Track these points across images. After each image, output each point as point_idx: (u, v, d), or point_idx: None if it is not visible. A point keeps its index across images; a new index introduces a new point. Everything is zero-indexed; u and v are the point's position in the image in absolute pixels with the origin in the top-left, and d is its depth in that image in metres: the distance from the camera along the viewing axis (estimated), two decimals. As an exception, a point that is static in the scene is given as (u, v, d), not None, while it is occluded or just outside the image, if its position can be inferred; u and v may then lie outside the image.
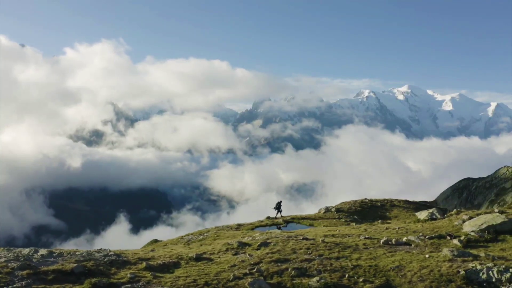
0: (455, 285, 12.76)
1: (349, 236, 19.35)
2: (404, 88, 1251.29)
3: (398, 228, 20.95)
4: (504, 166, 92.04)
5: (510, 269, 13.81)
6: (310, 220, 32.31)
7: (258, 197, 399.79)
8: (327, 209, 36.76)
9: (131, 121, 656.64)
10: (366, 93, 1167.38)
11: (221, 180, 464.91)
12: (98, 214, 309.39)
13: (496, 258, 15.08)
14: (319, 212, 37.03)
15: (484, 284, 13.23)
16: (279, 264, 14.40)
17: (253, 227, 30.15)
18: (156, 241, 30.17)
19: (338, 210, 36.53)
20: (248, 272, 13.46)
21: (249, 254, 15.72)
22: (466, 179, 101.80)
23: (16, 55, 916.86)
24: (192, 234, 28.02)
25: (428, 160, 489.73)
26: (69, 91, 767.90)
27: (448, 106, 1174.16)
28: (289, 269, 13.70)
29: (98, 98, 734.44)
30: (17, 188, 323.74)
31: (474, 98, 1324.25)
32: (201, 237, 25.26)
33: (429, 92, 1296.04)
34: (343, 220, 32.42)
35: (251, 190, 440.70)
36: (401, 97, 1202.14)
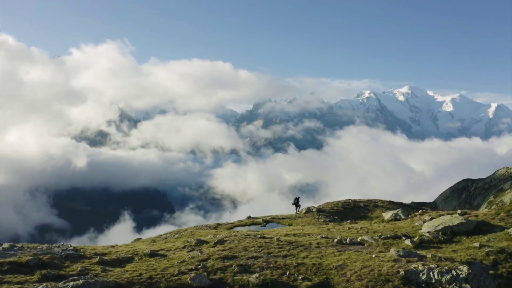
0: (392, 285, 12.97)
1: (308, 235, 19.77)
2: (405, 89, 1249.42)
3: (361, 228, 21.36)
4: (503, 167, 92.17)
5: (453, 271, 13.87)
6: (289, 220, 32.66)
7: (261, 196, 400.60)
8: (309, 209, 37.20)
9: (134, 122, 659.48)
10: (366, 94, 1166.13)
11: (224, 180, 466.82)
12: (101, 214, 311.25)
13: (443, 259, 15.13)
14: (300, 212, 37.55)
15: (423, 285, 13.32)
16: (225, 260, 14.94)
17: (232, 226, 30.51)
18: (139, 239, 30.92)
19: (319, 210, 36.92)
20: (194, 268, 14.00)
21: (200, 251, 16.32)
22: (465, 180, 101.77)
23: (23, 56, 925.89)
24: (170, 233, 28.63)
25: (431, 160, 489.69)
26: (74, 91, 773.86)
27: (448, 107, 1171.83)
28: (233, 266, 14.22)
29: (103, 98, 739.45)
30: (21, 188, 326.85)
31: (474, 99, 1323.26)
32: (177, 235, 25.85)
33: (430, 93, 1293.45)
34: (322, 220, 32.78)
35: (254, 190, 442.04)
36: (401, 98, 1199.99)
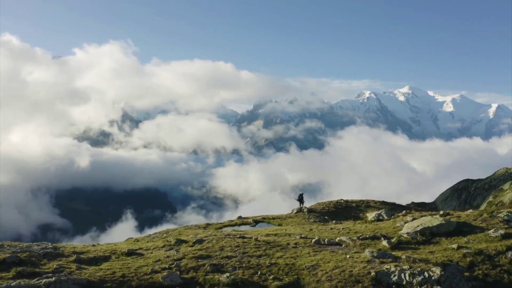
0: (362, 286, 12.98)
1: (289, 236, 19.81)
2: (405, 89, 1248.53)
3: (343, 228, 21.36)
4: (503, 167, 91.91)
5: (425, 272, 13.76)
6: (279, 220, 32.70)
7: (262, 196, 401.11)
8: (300, 209, 37.28)
9: (136, 122, 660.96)
10: (367, 94, 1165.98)
11: (226, 179, 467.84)
12: (102, 214, 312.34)
13: (417, 260, 15.03)
14: (292, 212, 37.62)
15: (394, 287, 13.24)
16: (199, 260, 15.08)
17: (222, 226, 30.61)
18: (131, 238, 31.06)
19: (310, 210, 36.93)
20: (167, 267, 14.19)
21: (176, 250, 16.49)
22: (465, 180, 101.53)
23: (27, 56, 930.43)
24: (159, 232, 28.79)
25: (432, 161, 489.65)
26: (76, 91, 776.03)
27: (449, 107, 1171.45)
28: (206, 265, 14.36)
29: (106, 98, 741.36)
30: (23, 188, 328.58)
31: (474, 99, 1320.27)
32: (164, 235, 26.02)
33: (430, 93, 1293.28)
34: (312, 220, 32.82)
35: (256, 190, 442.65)
36: (401, 98, 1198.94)
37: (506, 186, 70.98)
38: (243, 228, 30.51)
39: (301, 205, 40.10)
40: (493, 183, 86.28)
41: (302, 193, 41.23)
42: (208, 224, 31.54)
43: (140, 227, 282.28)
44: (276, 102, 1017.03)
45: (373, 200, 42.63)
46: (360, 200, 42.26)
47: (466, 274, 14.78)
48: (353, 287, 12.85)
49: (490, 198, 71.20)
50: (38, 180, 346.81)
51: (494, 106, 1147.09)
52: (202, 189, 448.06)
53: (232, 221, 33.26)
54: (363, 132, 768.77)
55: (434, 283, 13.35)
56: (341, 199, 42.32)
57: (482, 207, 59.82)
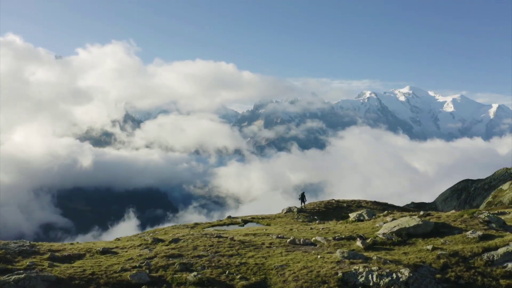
0: (328, 287, 13.00)
1: (267, 235, 19.91)
2: (406, 89, 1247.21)
3: (323, 228, 21.40)
4: (503, 168, 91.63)
5: (393, 274, 13.65)
6: (268, 220, 32.85)
7: (264, 195, 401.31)
8: (289, 209, 37.43)
9: (137, 122, 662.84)
10: (367, 94, 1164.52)
11: (228, 179, 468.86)
12: (104, 213, 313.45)
13: (388, 261, 14.90)
14: (282, 211, 37.73)
15: (360, 287, 13.22)
16: (170, 259, 15.27)
17: (210, 225, 30.78)
18: (118, 239, 31.28)
19: (300, 210, 37.04)
20: (138, 265, 14.41)
21: (149, 249, 16.69)
22: (465, 181, 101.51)
23: (30, 56, 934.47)
24: (146, 232, 29.05)
25: (433, 161, 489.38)
26: (79, 91, 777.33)
27: (449, 108, 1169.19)
28: (176, 264, 14.53)
29: (108, 98, 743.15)
30: (25, 187, 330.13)
31: (475, 100, 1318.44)
32: (151, 234, 26.23)
33: (430, 93, 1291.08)
34: (300, 220, 32.96)
35: (258, 189, 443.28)
36: (402, 98, 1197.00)
37: (505, 186, 70.68)
38: (231, 227, 30.66)
39: (303, 204, 40.59)
40: (493, 183, 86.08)
41: (304, 192, 41.60)
42: (196, 224, 31.73)
43: (142, 227, 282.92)
44: (277, 102, 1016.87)
45: (365, 200, 42.74)
46: (352, 200, 42.36)
47: (438, 276, 14.71)
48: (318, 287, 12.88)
49: (490, 198, 71.04)
50: (40, 180, 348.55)
51: (494, 106, 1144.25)
52: (204, 189, 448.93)
53: (221, 220, 33.51)
54: (364, 132, 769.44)
55: (402, 284, 13.30)
56: (333, 199, 42.45)
57: (482, 207, 59.70)
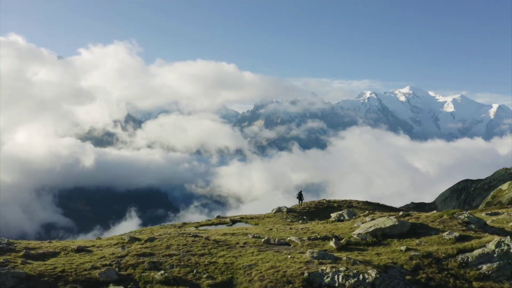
0: (292, 287, 13.09)
1: (245, 235, 20.05)
2: (406, 89, 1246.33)
3: (302, 228, 21.44)
4: (503, 168, 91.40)
5: (361, 275, 13.60)
6: (257, 220, 32.88)
7: (266, 195, 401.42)
8: (279, 209, 37.43)
9: (139, 122, 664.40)
10: (367, 94, 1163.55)
11: (230, 178, 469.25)
12: (105, 213, 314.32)
13: (357, 262, 14.85)
14: (272, 211, 37.77)
15: None
16: (141, 257, 15.48)
17: (198, 225, 30.88)
18: (99, 238, 31.49)
19: (290, 210, 37.14)
20: (108, 263, 14.66)
21: (122, 248, 16.89)
22: (465, 181, 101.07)
23: (33, 56, 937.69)
24: (135, 231, 29.21)
25: (435, 161, 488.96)
26: (81, 91, 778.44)
27: (449, 108, 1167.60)
28: (146, 263, 14.73)
29: (110, 98, 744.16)
30: (27, 187, 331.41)
31: (475, 100, 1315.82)
32: (137, 234, 26.38)
33: (431, 93, 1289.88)
34: (289, 220, 32.97)
35: (259, 189, 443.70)
36: (402, 98, 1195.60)
37: (504, 186, 70.48)
38: (219, 227, 30.81)
39: (300, 202, 40.77)
40: (493, 184, 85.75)
41: (301, 191, 41.74)
42: (184, 223, 31.89)
43: (143, 226, 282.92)
44: (277, 102, 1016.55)
45: (356, 201, 42.79)
46: (343, 200, 42.41)
47: (408, 277, 14.63)
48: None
49: (489, 198, 70.86)
50: (42, 179, 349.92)
51: (495, 107, 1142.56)
52: (205, 188, 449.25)
53: (210, 220, 33.69)
54: (365, 132, 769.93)
55: (368, 285, 13.29)
56: (324, 200, 42.55)
57: (481, 207, 59.61)
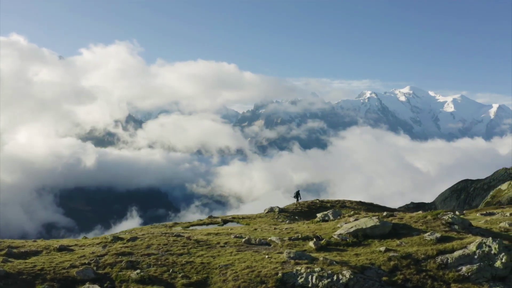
0: (265, 287, 13.17)
1: (227, 235, 20.18)
2: (406, 89, 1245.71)
3: (285, 229, 21.52)
4: (503, 168, 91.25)
5: (334, 276, 13.58)
6: (248, 220, 32.93)
7: (266, 195, 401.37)
8: (271, 209, 37.42)
9: (139, 122, 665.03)
10: (367, 94, 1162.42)
11: (230, 178, 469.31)
12: (106, 213, 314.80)
13: (334, 262, 14.80)
14: (264, 211, 37.82)
15: None
16: (120, 257, 15.66)
17: (189, 225, 30.94)
18: (85, 237, 31.61)
19: (282, 210, 37.14)
20: (87, 262, 14.88)
21: (103, 247, 17.09)
22: (464, 181, 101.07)
23: (34, 56, 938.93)
24: (125, 231, 29.33)
25: (435, 161, 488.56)
26: (82, 91, 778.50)
27: (449, 108, 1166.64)
28: (123, 262, 14.90)
29: (112, 99, 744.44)
30: (28, 187, 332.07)
31: (475, 100, 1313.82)
32: (127, 234, 26.46)
33: (431, 93, 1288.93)
34: (280, 220, 32.98)
35: (260, 188, 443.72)
36: (402, 98, 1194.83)
37: (504, 186, 70.43)
38: (211, 227, 30.88)
39: (297, 202, 40.85)
40: (492, 184, 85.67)
41: (299, 190, 41.71)
42: (175, 223, 31.99)
43: (144, 226, 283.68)
44: (277, 102, 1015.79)
45: (349, 201, 42.75)
46: (336, 201, 42.42)
47: (384, 278, 14.56)
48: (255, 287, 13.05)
49: (488, 198, 70.83)
50: (42, 179, 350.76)
51: (495, 107, 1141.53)
52: (206, 188, 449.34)
53: (201, 220, 33.78)
54: (365, 132, 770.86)
55: (342, 286, 13.30)
56: (317, 200, 42.63)
57: (480, 207, 59.59)
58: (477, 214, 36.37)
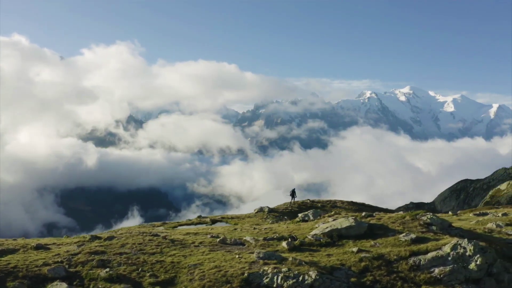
0: (230, 286, 13.34)
1: (206, 235, 20.36)
2: (406, 89, 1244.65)
3: (265, 229, 21.67)
4: (502, 168, 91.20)
5: (300, 276, 13.62)
6: (237, 220, 33.11)
7: (267, 194, 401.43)
8: (261, 209, 37.54)
9: (140, 122, 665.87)
10: (367, 94, 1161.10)
11: (231, 178, 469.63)
12: (107, 213, 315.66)
13: (303, 263, 14.84)
14: (254, 211, 37.97)
15: None
16: (93, 255, 15.94)
17: (178, 225, 31.10)
18: (68, 237, 31.77)
19: (271, 210, 37.22)
20: (60, 260, 15.15)
21: (78, 246, 17.35)
22: (464, 181, 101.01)
23: (35, 57, 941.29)
24: (113, 230, 29.57)
25: (435, 161, 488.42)
26: (84, 91, 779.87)
27: (449, 108, 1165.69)
28: (95, 261, 15.18)
29: (113, 99, 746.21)
30: (29, 187, 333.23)
31: (475, 100, 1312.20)
32: (113, 233, 26.66)
33: (431, 93, 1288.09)
34: (269, 220, 33.12)
35: (260, 188, 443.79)
36: (402, 98, 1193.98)
37: (503, 186, 70.46)
38: (199, 226, 31.05)
39: (293, 200, 41.05)
40: (492, 183, 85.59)
41: (294, 189, 41.77)
42: (164, 223, 32.12)
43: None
44: (278, 102, 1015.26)
45: (341, 201, 42.78)
46: (327, 201, 42.53)
47: (353, 279, 14.52)
48: (220, 287, 13.27)
49: (487, 198, 70.86)
50: (44, 179, 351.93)
51: (495, 106, 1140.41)
52: (207, 187, 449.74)
53: (190, 220, 33.99)
54: (366, 132, 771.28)
55: (307, 287, 13.31)
56: (308, 200, 42.75)
57: (479, 207, 59.65)
58: (471, 214, 36.28)
